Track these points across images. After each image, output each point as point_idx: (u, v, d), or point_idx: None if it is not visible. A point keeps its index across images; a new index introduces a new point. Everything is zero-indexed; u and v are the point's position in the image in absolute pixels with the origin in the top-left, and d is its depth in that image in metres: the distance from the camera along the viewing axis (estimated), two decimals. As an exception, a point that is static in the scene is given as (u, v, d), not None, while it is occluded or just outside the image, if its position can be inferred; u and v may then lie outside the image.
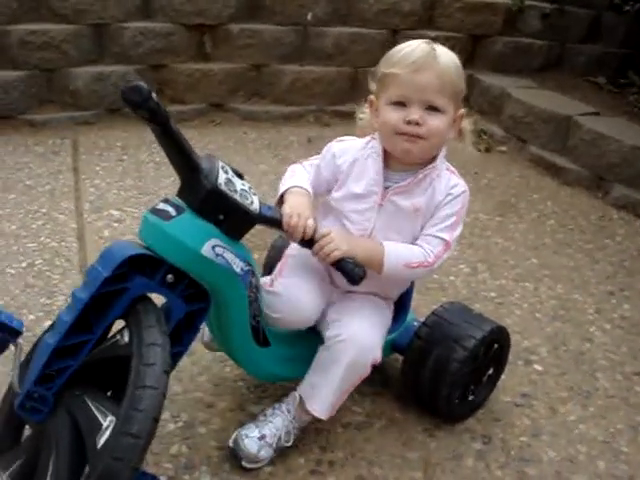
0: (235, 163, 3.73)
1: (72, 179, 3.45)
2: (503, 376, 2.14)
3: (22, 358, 1.56)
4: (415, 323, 2.06)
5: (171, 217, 1.49)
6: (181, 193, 1.54)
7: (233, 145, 4.07)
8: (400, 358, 2.06)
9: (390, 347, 2.05)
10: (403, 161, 1.76)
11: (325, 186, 1.86)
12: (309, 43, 4.60)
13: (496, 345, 2.03)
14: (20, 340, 1.56)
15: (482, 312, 2.19)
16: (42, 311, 2.35)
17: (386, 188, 1.77)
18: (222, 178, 1.50)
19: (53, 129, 4.05)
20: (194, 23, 4.36)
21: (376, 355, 1.75)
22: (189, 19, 4.34)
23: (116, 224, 2.99)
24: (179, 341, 1.56)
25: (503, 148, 4.44)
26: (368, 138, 1.84)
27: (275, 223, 1.64)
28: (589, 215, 3.62)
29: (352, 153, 1.83)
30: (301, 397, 1.80)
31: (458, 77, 1.71)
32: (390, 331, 1.97)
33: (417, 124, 1.67)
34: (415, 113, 1.67)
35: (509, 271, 2.94)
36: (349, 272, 1.66)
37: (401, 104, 1.69)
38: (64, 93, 4.18)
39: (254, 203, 1.56)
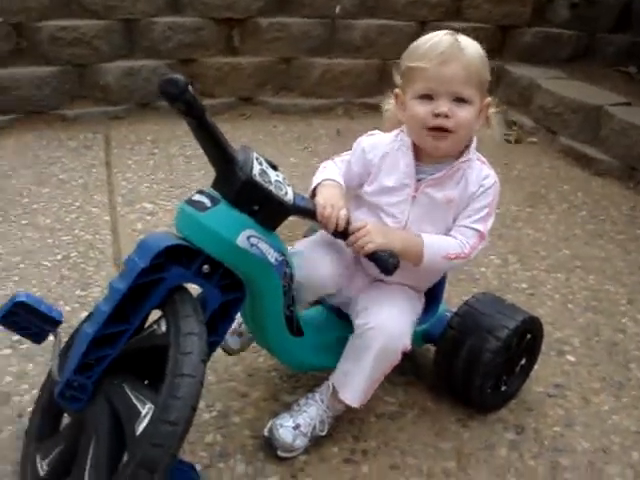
0: (265, 156, 3.76)
1: (105, 173, 3.49)
2: (536, 366, 2.13)
3: (61, 347, 1.59)
4: (447, 314, 2.06)
5: (206, 208, 1.51)
6: (216, 184, 1.56)
7: (263, 138, 4.09)
8: (432, 348, 2.07)
9: (423, 337, 2.06)
10: (434, 155, 1.77)
11: (357, 180, 1.87)
12: (337, 36, 4.61)
13: (529, 335, 2.03)
14: (59, 330, 1.59)
15: (514, 304, 2.20)
16: (78, 302, 2.39)
17: (419, 180, 1.78)
18: (257, 169, 1.51)
19: (85, 124, 4.10)
20: (223, 17, 4.39)
21: (406, 342, 1.75)
22: (218, 13, 4.36)
23: (149, 217, 3.03)
24: (214, 331, 1.58)
25: (533, 139, 4.41)
26: (397, 131, 1.84)
27: (309, 214, 1.65)
28: (620, 206, 3.59)
29: (382, 147, 1.83)
30: (334, 386, 1.81)
31: (483, 67, 1.71)
32: (422, 321, 1.98)
33: (446, 116, 1.67)
34: (444, 105, 1.66)
35: (540, 262, 2.93)
36: (383, 262, 1.66)
37: (428, 97, 1.69)
38: (95, 88, 4.23)
39: (288, 194, 1.57)
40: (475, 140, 1.79)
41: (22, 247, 2.74)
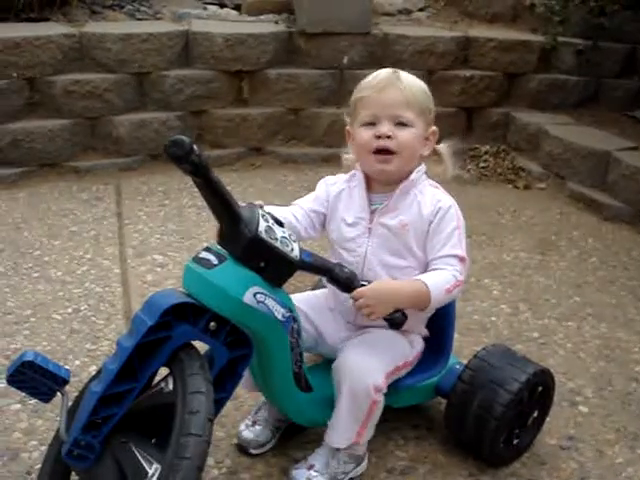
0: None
1: (116, 224, 3.52)
2: (548, 418, 2.11)
3: (69, 406, 1.59)
4: (457, 366, 2.05)
5: (213, 265, 1.53)
6: (223, 241, 1.57)
7: (273, 188, 4.12)
8: (443, 401, 2.05)
9: (434, 390, 2.05)
10: (382, 181, 1.85)
11: (321, 218, 1.95)
12: (345, 86, 4.64)
13: (540, 388, 2.01)
14: (67, 389, 1.59)
15: (525, 353, 2.18)
16: (87, 356, 2.39)
17: (372, 212, 1.85)
18: (263, 226, 1.53)
19: (97, 175, 4.14)
20: (232, 69, 4.44)
21: (376, 381, 1.73)
22: (228, 65, 4.42)
23: (159, 269, 3.04)
24: (222, 387, 1.58)
25: (542, 185, 4.41)
26: (353, 171, 1.93)
27: (315, 269, 1.66)
28: (631, 251, 3.57)
29: (338, 185, 1.94)
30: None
31: (423, 95, 1.83)
32: (433, 374, 1.98)
33: (388, 137, 1.77)
34: (384, 127, 1.78)
35: (551, 310, 2.91)
36: (388, 320, 1.68)
37: (372, 123, 1.80)
38: (107, 140, 4.27)
39: (294, 250, 1.58)
40: (423, 167, 1.87)
41: (33, 300, 2.75)
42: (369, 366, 1.75)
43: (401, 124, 1.78)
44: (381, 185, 1.86)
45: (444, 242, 1.80)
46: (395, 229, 1.82)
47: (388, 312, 1.69)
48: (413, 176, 1.83)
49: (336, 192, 1.93)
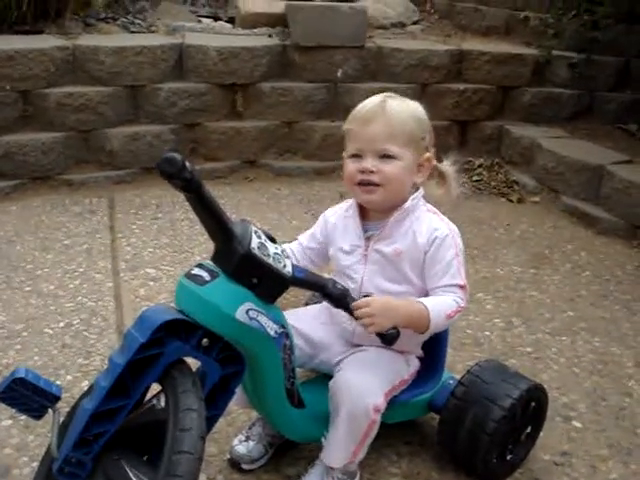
0: (268, 219, 3.79)
1: (109, 238, 3.50)
2: (542, 433, 2.10)
3: (60, 423, 1.58)
4: (450, 381, 2.05)
5: (206, 282, 1.52)
6: (215, 258, 1.57)
7: (266, 201, 4.12)
8: (436, 417, 2.04)
9: (427, 406, 2.04)
10: (375, 210, 1.86)
11: (323, 248, 1.98)
12: (339, 99, 4.66)
13: (533, 403, 2.00)
14: (58, 406, 1.58)
15: (518, 368, 2.18)
16: (79, 372, 2.38)
17: (368, 239, 1.86)
18: (255, 243, 1.52)
19: (90, 188, 4.13)
20: (227, 83, 4.44)
21: (376, 401, 1.73)
22: (222, 79, 4.42)
23: (152, 283, 3.03)
24: (214, 404, 1.57)
25: (536, 199, 4.42)
26: (350, 201, 1.94)
27: (308, 285, 1.65)
28: (625, 265, 3.58)
29: (337, 215, 1.96)
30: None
31: (412, 124, 1.80)
32: (425, 390, 1.97)
33: (371, 172, 1.77)
34: (367, 162, 1.78)
35: (545, 325, 2.91)
36: (381, 336, 1.67)
37: (358, 156, 1.80)
38: (100, 153, 4.27)
39: (287, 266, 1.58)
40: (420, 192, 1.86)
41: (25, 314, 2.74)
42: (369, 386, 1.75)
43: (386, 157, 1.77)
44: (376, 213, 1.86)
45: (444, 272, 1.80)
46: (390, 256, 1.82)
47: (386, 327, 1.66)
48: (407, 204, 1.82)
49: (333, 223, 1.95)
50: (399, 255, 1.81)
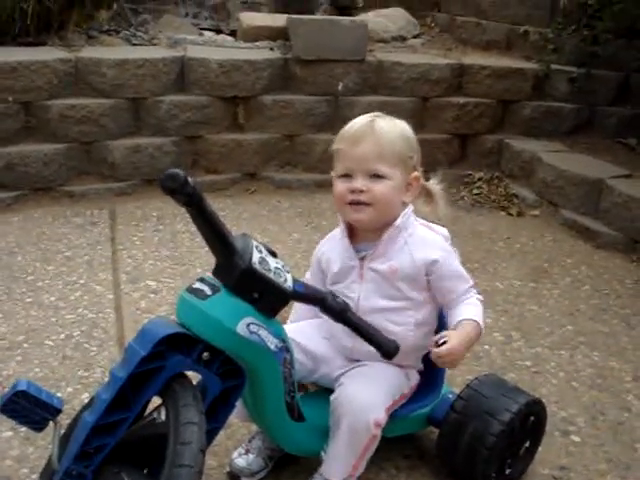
0: (269, 232, 3.80)
1: (110, 250, 3.52)
2: (540, 447, 2.11)
3: (61, 435, 1.59)
4: (450, 395, 2.05)
5: (207, 296, 1.54)
6: (216, 272, 1.58)
7: (267, 214, 4.13)
8: (435, 431, 2.05)
9: (426, 420, 2.05)
10: (365, 229, 1.87)
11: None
12: (340, 112, 4.68)
13: (532, 418, 2.01)
14: (59, 418, 1.59)
15: (517, 382, 2.19)
16: (80, 384, 2.39)
17: (362, 259, 1.87)
18: (256, 257, 1.53)
19: (91, 200, 4.14)
20: (228, 95, 4.46)
21: (377, 416, 1.75)
22: (223, 91, 4.44)
23: (152, 295, 3.04)
24: (215, 418, 1.59)
25: (535, 212, 4.44)
26: (341, 225, 1.93)
27: (308, 300, 1.66)
28: (624, 279, 3.59)
29: (328, 243, 1.99)
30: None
31: (401, 143, 1.82)
32: (425, 404, 1.98)
33: (361, 192, 1.78)
34: (357, 182, 1.79)
35: (544, 339, 2.92)
36: (383, 348, 1.68)
37: (348, 175, 1.81)
38: (102, 165, 4.28)
39: (288, 281, 1.59)
40: (409, 209, 1.87)
41: (26, 326, 2.75)
42: (370, 401, 1.76)
43: (376, 176, 1.78)
44: (366, 233, 1.87)
45: (457, 282, 1.87)
46: (385, 274, 1.83)
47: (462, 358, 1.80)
48: (398, 222, 1.83)
49: (325, 251, 1.97)
50: (395, 273, 1.83)
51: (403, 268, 1.83)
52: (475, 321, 1.81)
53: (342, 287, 1.89)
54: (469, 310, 1.84)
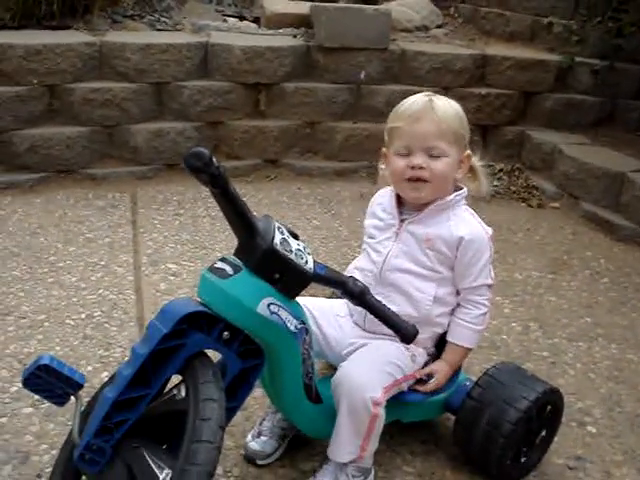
0: (288, 219, 3.81)
1: (130, 232, 3.54)
2: (556, 437, 2.11)
3: (82, 410, 1.61)
4: (467, 383, 2.06)
5: (228, 276, 1.55)
6: (238, 252, 1.59)
7: (287, 200, 4.14)
8: (452, 418, 2.06)
9: (443, 406, 2.06)
10: (416, 204, 1.92)
11: None
12: (362, 101, 4.68)
13: (549, 407, 2.01)
14: (81, 393, 1.61)
15: (535, 372, 2.19)
16: (100, 362, 2.41)
17: (402, 220, 1.93)
18: (278, 238, 1.54)
19: (113, 183, 4.17)
20: (250, 82, 4.47)
21: (374, 394, 1.75)
22: (246, 78, 4.45)
23: (172, 277, 3.06)
24: (234, 396, 1.60)
25: (556, 204, 4.42)
26: (390, 188, 2.01)
27: (329, 282, 1.67)
28: (644, 273, 3.57)
29: (379, 198, 2.06)
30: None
31: (457, 122, 1.88)
32: (442, 391, 1.98)
33: (421, 168, 1.83)
34: (418, 159, 1.84)
35: (562, 330, 2.91)
36: (402, 333, 1.69)
37: (406, 153, 1.86)
38: (124, 148, 4.31)
39: (309, 263, 1.60)
40: (465, 191, 1.94)
41: (47, 305, 2.78)
42: (367, 380, 1.77)
43: (435, 154, 1.84)
44: (414, 204, 1.94)
45: (478, 273, 1.92)
46: (420, 238, 1.89)
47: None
48: (451, 197, 1.89)
49: (377, 203, 2.03)
50: (429, 241, 1.88)
51: (438, 240, 1.88)
52: (465, 348, 1.97)
53: (375, 242, 1.96)
54: (464, 334, 1.95)
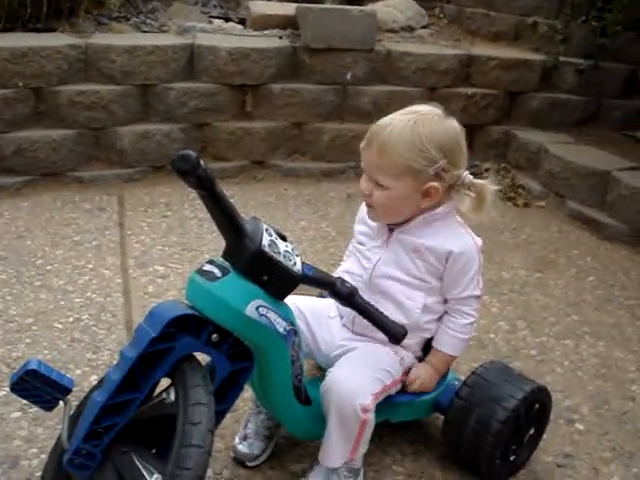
0: (276, 220, 3.82)
1: (118, 235, 3.53)
2: (545, 435, 2.13)
3: (71, 415, 1.61)
4: (455, 382, 2.07)
5: (216, 278, 1.55)
6: (226, 254, 1.59)
7: (274, 201, 4.13)
8: (441, 417, 2.07)
9: (431, 406, 2.06)
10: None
11: None
12: (348, 101, 4.69)
13: (537, 405, 2.03)
14: (69, 397, 1.61)
15: (522, 370, 2.20)
16: (88, 366, 2.41)
17: (391, 230, 1.91)
18: (266, 240, 1.55)
19: (100, 186, 4.15)
20: (237, 83, 4.47)
21: (363, 401, 1.75)
22: (232, 79, 4.44)
23: (160, 280, 3.05)
24: (223, 399, 1.60)
25: (542, 203, 4.44)
26: None
27: (317, 283, 1.68)
28: (630, 271, 3.59)
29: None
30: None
31: (408, 155, 1.76)
32: (430, 391, 1.99)
33: (365, 194, 1.84)
34: (363, 184, 1.86)
35: (549, 328, 2.93)
36: (390, 333, 1.70)
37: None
38: (111, 151, 4.29)
39: (297, 264, 1.60)
40: (452, 203, 1.87)
41: (35, 308, 2.77)
42: (356, 386, 1.76)
43: (379, 184, 1.81)
44: None
45: (467, 285, 1.92)
46: (409, 248, 1.87)
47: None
48: (439, 210, 1.85)
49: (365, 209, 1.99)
50: (418, 251, 1.86)
51: (427, 251, 1.86)
52: (450, 356, 1.99)
53: (365, 249, 1.95)
54: (450, 342, 1.96)
